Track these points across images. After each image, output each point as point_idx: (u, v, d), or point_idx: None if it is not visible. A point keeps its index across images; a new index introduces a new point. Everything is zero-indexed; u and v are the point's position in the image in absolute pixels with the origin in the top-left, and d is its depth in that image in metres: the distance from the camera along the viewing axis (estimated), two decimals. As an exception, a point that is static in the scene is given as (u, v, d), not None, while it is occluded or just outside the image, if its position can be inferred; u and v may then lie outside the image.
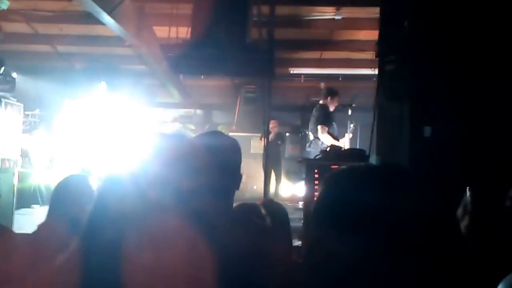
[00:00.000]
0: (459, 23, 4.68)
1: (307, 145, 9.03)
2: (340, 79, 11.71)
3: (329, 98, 8.73)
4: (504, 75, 4.75)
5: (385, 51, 5.29)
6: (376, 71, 5.92)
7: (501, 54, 4.73)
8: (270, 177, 11.37)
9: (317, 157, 6.35)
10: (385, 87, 5.33)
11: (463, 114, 4.65)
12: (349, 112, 9.07)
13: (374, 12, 6.65)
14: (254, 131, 11.78)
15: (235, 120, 12.96)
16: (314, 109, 8.87)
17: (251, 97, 12.04)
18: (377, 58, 5.63)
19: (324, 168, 5.51)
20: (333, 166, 5.64)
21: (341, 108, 9.25)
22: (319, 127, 8.39)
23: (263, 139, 8.56)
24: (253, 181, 11.53)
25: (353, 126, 9.60)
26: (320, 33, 9.80)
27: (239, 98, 12.46)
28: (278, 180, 11.65)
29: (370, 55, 8.16)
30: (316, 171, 5.55)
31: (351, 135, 9.58)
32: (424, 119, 4.70)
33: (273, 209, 3.32)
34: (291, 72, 11.63)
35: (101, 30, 9.12)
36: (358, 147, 10.52)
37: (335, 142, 8.24)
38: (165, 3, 8.26)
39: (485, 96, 4.67)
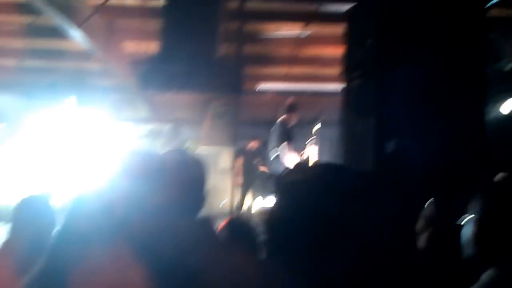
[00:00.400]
0: (422, 39, 4.81)
1: (269, 162, 9.09)
2: (308, 94, 11.84)
3: (289, 114, 8.83)
4: (468, 89, 4.90)
5: (350, 67, 5.40)
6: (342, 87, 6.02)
7: (465, 69, 4.87)
8: (246, 193, 11.44)
9: (284, 173, 6.41)
10: (350, 103, 5.43)
11: (428, 129, 4.76)
12: (316, 127, 9.15)
13: (340, 29, 6.76)
14: (223, 146, 11.78)
15: (204, 135, 12.94)
16: (274, 126, 8.94)
17: (220, 112, 12.07)
18: (343, 74, 5.74)
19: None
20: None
21: (307, 123, 9.35)
22: (282, 144, 8.46)
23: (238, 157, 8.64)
24: (222, 197, 11.50)
25: (314, 139, 9.66)
26: (288, 49, 9.90)
27: (208, 113, 12.47)
28: (253, 196, 11.69)
29: (336, 71, 8.28)
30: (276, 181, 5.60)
31: (314, 146, 9.62)
32: (389, 135, 4.79)
33: (242, 226, 3.36)
34: (260, 87, 11.71)
35: (69, 45, 9.06)
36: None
37: (297, 159, 8.34)
38: (134, 18, 8.26)
39: (450, 111, 4.79)
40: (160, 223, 1.74)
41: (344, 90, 5.71)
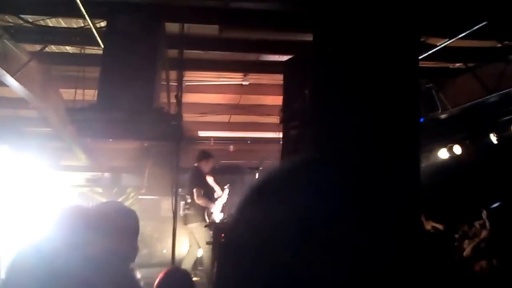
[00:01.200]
0: (357, 90, 4.91)
1: (185, 207, 9.18)
2: (249, 142, 11.91)
3: (203, 161, 9.02)
4: (402, 138, 5.01)
5: (288, 117, 5.47)
6: (281, 135, 6.08)
7: (399, 118, 5.00)
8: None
9: (225, 220, 6.40)
10: (289, 152, 5.47)
11: (364, 179, 4.82)
12: (257, 175, 9.18)
13: (279, 78, 6.88)
14: (164, 194, 11.65)
15: (144, 183, 12.79)
16: (189, 172, 9.10)
17: (160, 160, 11.98)
18: (282, 123, 5.80)
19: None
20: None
21: (249, 170, 9.41)
22: (194, 190, 8.62)
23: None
24: (162, 245, 11.32)
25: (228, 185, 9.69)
26: (229, 97, 9.97)
27: (148, 161, 12.36)
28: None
29: (276, 119, 8.39)
30: (222, 235, 5.56)
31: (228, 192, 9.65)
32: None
33: (180, 276, 3.29)
34: (201, 135, 11.72)
35: (4, 91, 8.86)
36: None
37: (210, 205, 8.55)
38: (72, 65, 8.17)
39: (384, 158, 4.88)
40: (95, 272, 1.71)
41: (283, 137, 5.76)
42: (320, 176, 0.94)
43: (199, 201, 8.66)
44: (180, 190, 10.05)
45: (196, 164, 9.14)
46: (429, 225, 8.90)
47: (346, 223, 0.88)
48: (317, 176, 0.95)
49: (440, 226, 8.78)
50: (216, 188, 9.31)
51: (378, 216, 0.96)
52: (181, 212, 9.25)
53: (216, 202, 9.07)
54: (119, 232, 2.23)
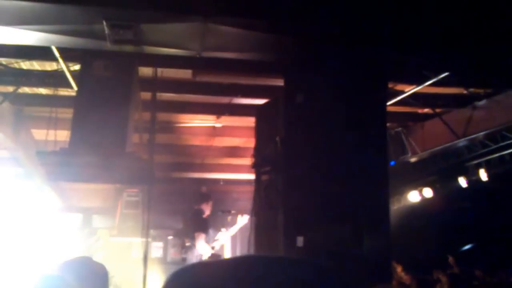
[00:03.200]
0: (327, 136, 5.00)
1: (182, 251, 8.94)
2: (222, 183, 11.91)
3: (203, 203, 8.81)
4: (371, 181, 5.09)
5: (260, 163, 5.51)
6: (253, 178, 6.11)
7: (368, 161, 5.09)
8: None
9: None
10: (260, 196, 5.50)
11: (333, 222, 4.87)
12: (229, 218, 9.17)
13: (250, 121, 6.94)
14: (135, 236, 11.51)
15: (116, 224, 12.64)
16: (190, 215, 8.89)
17: (132, 201, 11.87)
18: (254, 167, 5.84)
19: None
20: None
21: (221, 213, 9.36)
22: (196, 234, 8.37)
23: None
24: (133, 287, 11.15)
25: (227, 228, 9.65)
26: (202, 139, 9.99)
27: (120, 202, 12.25)
28: None
29: (248, 161, 8.43)
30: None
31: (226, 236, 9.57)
32: (297, 229, 4.86)
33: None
34: (174, 176, 11.68)
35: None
36: (239, 252, 10.55)
37: (209, 250, 8.28)
38: (44, 106, 8.14)
39: (352, 201, 4.95)
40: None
41: (255, 182, 5.80)
42: None
43: (199, 246, 8.38)
44: (151, 231, 9.99)
45: (196, 207, 8.90)
46: (399, 274, 8.87)
47: None
48: None
49: (406, 278, 8.74)
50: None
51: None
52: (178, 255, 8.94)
53: (215, 246, 8.85)
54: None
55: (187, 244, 8.69)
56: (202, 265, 1.08)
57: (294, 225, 4.88)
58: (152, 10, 4.48)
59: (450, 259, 8.72)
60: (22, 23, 4.63)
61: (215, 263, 1.04)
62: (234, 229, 9.44)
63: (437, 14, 4.78)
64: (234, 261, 1.05)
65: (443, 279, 7.98)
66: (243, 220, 9.45)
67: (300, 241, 4.78)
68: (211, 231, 8.94)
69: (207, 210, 8.88)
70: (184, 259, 8.63)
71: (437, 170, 9.63)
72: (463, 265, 8.95)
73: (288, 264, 0.98)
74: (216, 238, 9.07)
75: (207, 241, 8.52)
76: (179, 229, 12.88)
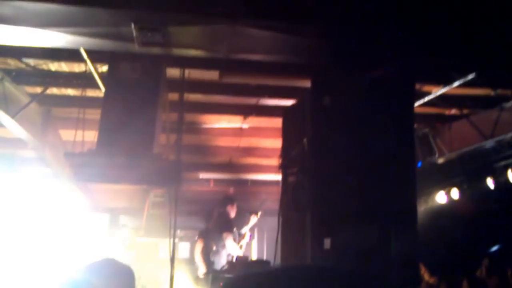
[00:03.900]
0: (354, 136, 4.97)
1: (210, 254, 8.94)
2: (249, 184, 11.90)
3: (229, 205, 8.84)
4: (398, 182, 5.05)
5: (287, 164, 5.51)
6: (280, 179, 6.10)
7: (394, 162, 5.05)
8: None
9: (223, 268, 6.34)
10: (288, 198, 5.49)
11: (361, 224, 4.85)
12: (257, 217, 9.17)
13: (277, 122, 6.93)
14: (162, 236, 11.56)
15: (143, 225, 12.71)
16: (215, 218, 8.93)
17: (159, 202, 11.94)
18: (281, 168, 5.84)
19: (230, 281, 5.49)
20: (238, 279, 5.66)
21: (249, 214, 9.38)
22: (224, 234, 8.38)
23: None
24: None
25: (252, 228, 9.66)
26: (229, 140, 10.00)
27: (147, 202, 12.31)
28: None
29: (275, 161, 8.42)
30: (221, 284, 5.54)
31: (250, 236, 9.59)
32: (325, 230, 4.84)
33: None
34: (201, 177, 11.71)
35: (2, 132, 8.88)
36: (266, 252, 10.56)
37: (238, 251, 8.28)
38: (72, 107, 8.22)
39: (382, 203, 4.92)
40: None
41: (282, 183, 5.79)
42: None
43: (229, 246, 8.40)
44: (178, 232, 10.04)
45: (222, 210, 8.96)
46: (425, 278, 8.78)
47: None
48: None
49: (433, 280, 8.64)
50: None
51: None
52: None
53: (241, 248, 8.88)
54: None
55: (214, 248, 8.68)
56: (255, 277, 1.09)
57: (322, 227, 4.86)
58: (180, 12, 4.51)
59: (485, 261, 8.56)
60: (51, 25, 4.69)
61: (266, 274, 1.06)
62: (245, 229, 9.46)
63: (464, 15, 4.73)
64: (286, 271, 1.07)
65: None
66: (254, 220, 9.49)
67: (327, 243, 4.76)
68: (236, 232, 8.98)
69: (232, 212, 8.93)
70: (212, 262, 8.64)
71: (465, 171, 9.52)
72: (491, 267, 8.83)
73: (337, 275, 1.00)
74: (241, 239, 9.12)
75: (235, 242, 8.56)
76: (202, 230, 12.93)
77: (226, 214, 8.78)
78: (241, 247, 8.88)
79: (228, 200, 9.04)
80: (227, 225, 8.59)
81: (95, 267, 2.31)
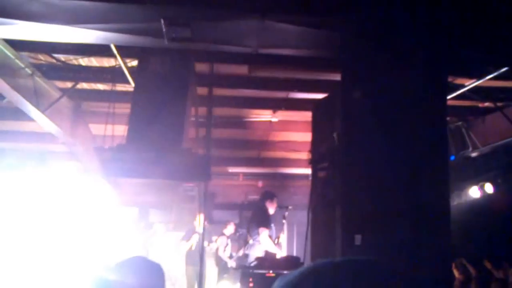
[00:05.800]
0: (385, 131, 4.88)
1: (245, 247, 8.91)
2: (278, 178, 11.88)
3: (268, 200, 8.75)
4: (431, 176, 4.95)
5: (317, 158, 5.44)
6: (310, 174, 6.05)
7: (426, 156, 4.95)
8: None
9: (252, 264, 6.31)
10: (318, 193, 5.44)
11: (392, 219, 4.76)
12: (286, 213, 9.12)
13: (307, 115, 6.88)
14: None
15: (172, 219, 12.75)
16: (253, 212, 8.87)
17: (189, 196, 11.95)
18: (311, 163, 5.78)
19: (259, 277, 5.48)
20: (268, 275, 5.64)
21: (278, 209, 9.32)
22: (260, 230, 8.33)
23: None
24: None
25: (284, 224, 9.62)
26: (258, 133, 9.98)
27: (176, 196, 12.32)
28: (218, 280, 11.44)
29: (305, 155, 8.36)
30: (251, 279, 5.51)
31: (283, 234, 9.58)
32: (355, 226, 4.77)
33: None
34: (230, 170, 11.72)
35: (33, 126, 8.97)
36: (295, 246, 10.51)
37: (273, 247, 8.23)
38: (102, 101, 8.27)
39: (414, 198, 4.83)
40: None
41: (312, 178, 5.74)
42: None
43: (263, 242, 8.37)
44: (208, 225, 10.04)
45: (260, 204, 8.92)
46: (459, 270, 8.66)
47: None
48: None
49: (472, 270, 8.55)
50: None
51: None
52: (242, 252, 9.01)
53: (277, 244, 8.85)
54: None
55: (250, 241, 8.64)
56: (314, 273, 1.04)
57: (352, 223, 4.78)
58: (209, 8, 4.48)
59: None
60: (82, 22, 4.71)
61: (327, 271, 1.02)
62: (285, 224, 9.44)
63: (498, 8, 4.61)
64: (348, 267, 1.03)
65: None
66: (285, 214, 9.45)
67: (358, 239, 4.69)
68: (274, 228, 8.92)
69: (271, 208, 8.83)
70: (246, 255, 8.61)
71: (499, 165, 9.32)
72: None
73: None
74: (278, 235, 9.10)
75: (271, 237, 8.52)
76: (237, 224, 12.90)
77: (265, 210, 8.70)
78: (278, 243, 8.82)
79: (268, 195, 8.94)
80: (264, 221, 8.51)
81: (126, 265, 2.29)
